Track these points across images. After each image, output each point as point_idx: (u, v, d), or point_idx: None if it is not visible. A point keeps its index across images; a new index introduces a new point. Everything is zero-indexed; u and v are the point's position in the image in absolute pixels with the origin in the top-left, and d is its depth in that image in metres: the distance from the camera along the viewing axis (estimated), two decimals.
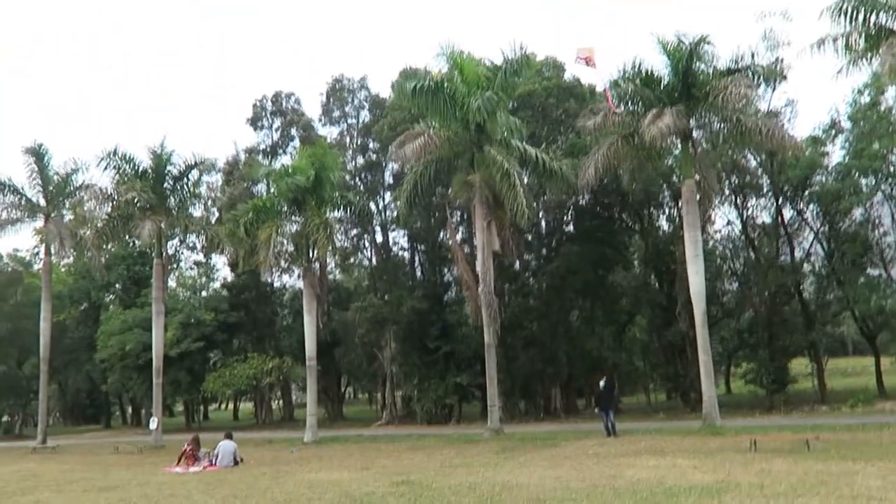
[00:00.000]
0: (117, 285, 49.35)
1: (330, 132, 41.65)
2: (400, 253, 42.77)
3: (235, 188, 39.10)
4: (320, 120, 41.95)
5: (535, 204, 36.30)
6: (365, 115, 41.28)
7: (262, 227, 29.52)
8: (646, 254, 37.19)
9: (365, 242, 42.96)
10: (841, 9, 21.19)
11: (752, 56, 25.52)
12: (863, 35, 21.54)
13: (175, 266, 49.71)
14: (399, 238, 42.58)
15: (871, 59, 22.25)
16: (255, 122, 43.18)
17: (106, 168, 32.31)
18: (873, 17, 21.37)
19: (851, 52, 21.95)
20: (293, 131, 42.48)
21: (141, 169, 32.69)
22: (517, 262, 36.28)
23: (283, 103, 43.37)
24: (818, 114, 33.07)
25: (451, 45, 27.94)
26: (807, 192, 33.87)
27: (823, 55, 22.28)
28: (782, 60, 30.87)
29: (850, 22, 21.42)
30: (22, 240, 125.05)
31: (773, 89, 31.69)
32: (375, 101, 40.85)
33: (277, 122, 43.21)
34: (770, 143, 24.85)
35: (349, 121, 41.42)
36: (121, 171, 32.51)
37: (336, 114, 41.32)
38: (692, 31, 26.85)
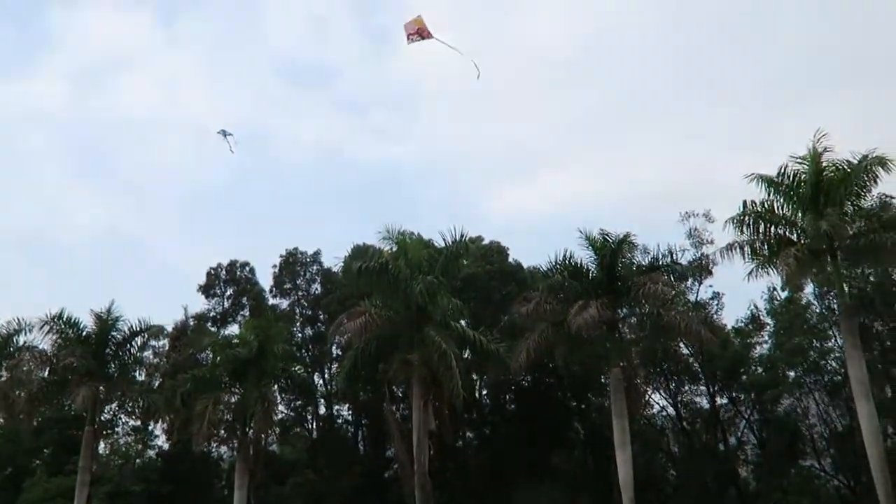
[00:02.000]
0: (46, 450, 47.37)
1: (280, 303, 42.58)
2: (344, 426, 42.38)
3: (180, 355, 39.11)
4: (272, 291, 42.99)
5: (476, 382, 36.77)
6: (316, 288, 42.49)
7: (199, 399, 29.49)
8: (585, 436, 37.51)
9: (307, 414, 42.59)
10: (742, 220, 23.48)
11: (671, 254, 27.51)
12: (765, 244, 23.69)
13: (110, 432, 48.19)
14: (343, 411, 42.42)
15: (777, 264, 24.25)
16: (207, 289, 43.98)
17: (48, 332, 32.41)
18: (773, 228, 23.64)
19: (758, 257, 23.98)
20: (244, 300, 43.29)
21: (84, 334, 32.83)
22: (459, 441, 36.25)
23: (238, 272, 44.48)
24: (744, 306, 35.16)
25: (397, 227, 29.82)
26: (737, 381, 35.17)
27: (734, 258, 24.31)
28: (707, 256, 33.28)
29: (753, 232, 23.63)
30: None
31: (700, 283, 33.89)
32: (326, 276, 42.22)
33: (230, 291, 44.06)
34: (690, 336, 26.31)
35: (300, 293, 42.52)
36: (63, 335, 32.60)
37: (287, 285, 42.49)
38: (618, 229, 29.07)
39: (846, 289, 25.20)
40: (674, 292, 30.40)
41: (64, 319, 32.48)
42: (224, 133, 33.40)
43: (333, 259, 43.81)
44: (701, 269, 33.09)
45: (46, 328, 32.48)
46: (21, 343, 35.48)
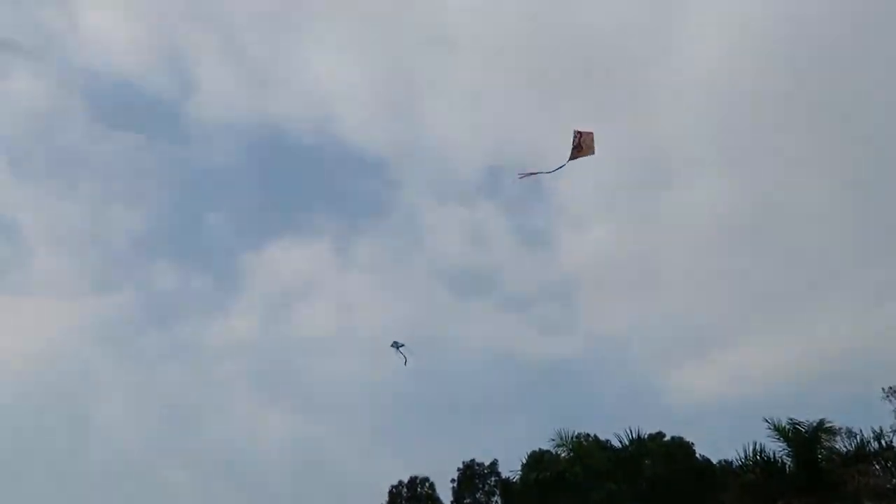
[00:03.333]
0: None
1: None
2: None
3: None
4: None
5: None
6: (496, 501, 41.61)
7: None
8: None
9: None
10: None
11: (880, 438, 24.64)
12: None
13: None
14: None
15: None
16: None
17: None
18: None
19: None
20: None
21: None
22: None
23: (419, 488, 44.77)
24: None
25: (571, 431, 29.14)
26: None
27: None
28: None
29: None
30: None
31: None
32: (505, 487, 41.36)
33: None
34: None
35: None
36: None
37: (468, 501, 41.98)
38: (813, 410, 26.61)
39: None
40: (894, 481, 26.93)
41: None
42: (396, 345, 34.60)
43: (511, 470, 43.13)
44: None
45: None
46: None
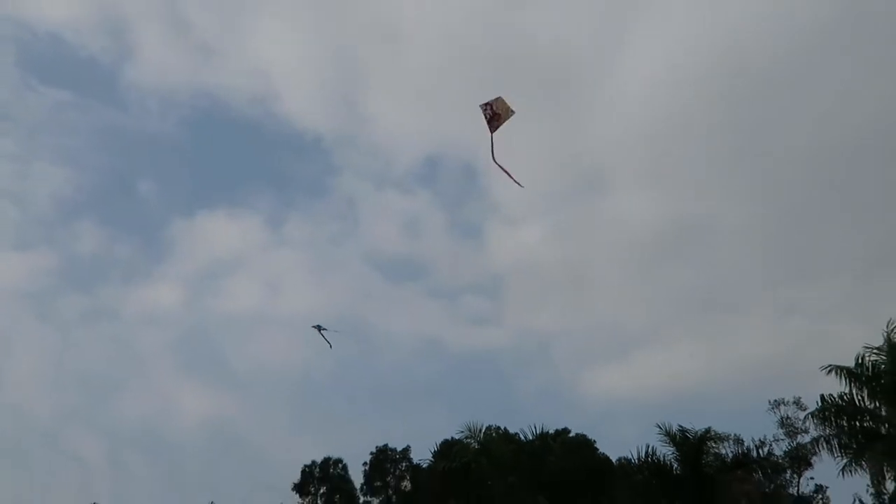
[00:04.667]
0: None
1: (371, 501, 42.99)
2: None
3: None
4: (363, 489, 43.57)
5: None
6: (406, 485, 42.76)
7: None
8: None
9: None
10: (823, 415, 22.99)
11: (759, 448, 26.77)
12: (853, 438, 22.90)
13: None
14: None
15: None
16: (301, 487, 45.01)
17: None
18: (857, 422, 22.95)
19: (847, 452, 23.10)
20: (337, 498, 43.93)
21: None
22: None
23: (331, 469, 45.52)
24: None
25: (481, 424, 30.30)
26: None
27: (821, 454, 23.53)
28: (805, 446, 31.85)
29: (836, 425, 23.00)
30: None
31: (799, 475, 32.24)
32: (416, 472, 42.58)
33: (323, 489, 44.93)
34: None
35: (390, 490, 42.89)
36: None
37: (378, 483, 43.02)
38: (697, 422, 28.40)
39: None
40: (771, 486, 29.25)
41: None
42: (319, 328, 34.18)
43: (421, 458, 44.38)
44: (799, 460, 31.62)
45: None
46: None
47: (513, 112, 19.00)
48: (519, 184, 18.78)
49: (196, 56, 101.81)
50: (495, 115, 19.09)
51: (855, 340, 34.22)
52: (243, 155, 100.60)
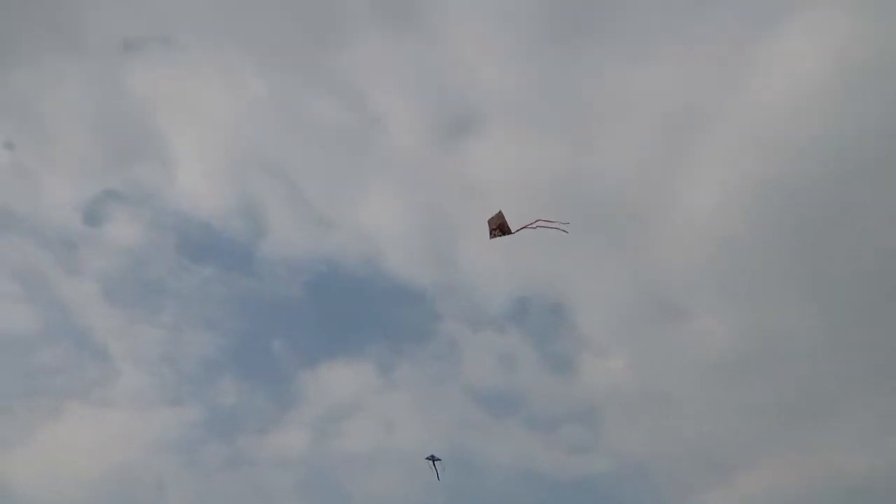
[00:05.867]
0: None
1: None
2: None
3: None
4: None
5: None
6: None
7: None
8: None
9: None
10: None
11: None
12: None
13: None
14: None
15: None
16: None
17: None
18: None
19: None
20: None
21: None
22: None
23: None
24: None
25: None
26: None
27: None
28: None
29: None
30: None
31: None
32: None
33: None
34: None
35: None
36: None
37: None
38: None
39: None
40: None
41: None
42: (433, 458, 34.15)
43: None
44: None
45: None
46: None
47: (510, 230, 23.27)
48: (564, 230, 22.88)
49: (315, 228, 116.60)
50: (497, 228, 23.33)
51: None
52: (357, 309, 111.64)
